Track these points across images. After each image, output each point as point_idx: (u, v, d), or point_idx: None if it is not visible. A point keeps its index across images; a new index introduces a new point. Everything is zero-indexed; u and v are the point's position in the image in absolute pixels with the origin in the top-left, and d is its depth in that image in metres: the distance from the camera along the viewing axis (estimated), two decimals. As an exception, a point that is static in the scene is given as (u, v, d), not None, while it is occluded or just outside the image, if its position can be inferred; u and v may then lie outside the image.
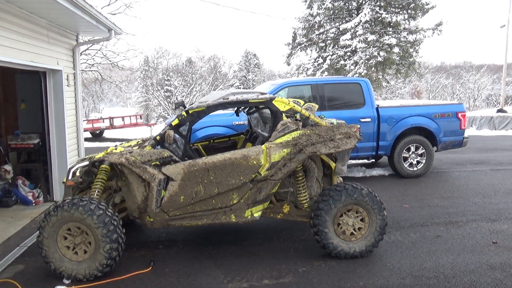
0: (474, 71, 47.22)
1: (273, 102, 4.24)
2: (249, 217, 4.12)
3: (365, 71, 19.97)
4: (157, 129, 20.49)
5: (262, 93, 4.50)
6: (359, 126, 4.35)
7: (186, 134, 4.17)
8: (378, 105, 7.73)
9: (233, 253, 4.37)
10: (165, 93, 33.26)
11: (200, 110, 4.16)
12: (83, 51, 19.07)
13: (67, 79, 6.66)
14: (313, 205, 4.16)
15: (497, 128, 17.56)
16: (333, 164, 4.38)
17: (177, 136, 4.15)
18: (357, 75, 20.07)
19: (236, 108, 5.43)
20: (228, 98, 4.25)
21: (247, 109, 5.19)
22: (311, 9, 22.14)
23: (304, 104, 4.64)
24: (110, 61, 20.87)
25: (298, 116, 4.60)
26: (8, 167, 6.50)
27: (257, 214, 4.14)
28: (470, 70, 47.99)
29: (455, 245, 4.47)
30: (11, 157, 6.78)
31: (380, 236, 4.15)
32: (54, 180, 6.59)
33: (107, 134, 20.02)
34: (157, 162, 4.04)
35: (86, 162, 4.26)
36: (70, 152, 6.76)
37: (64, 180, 4.33)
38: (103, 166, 4.14)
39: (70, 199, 3.75)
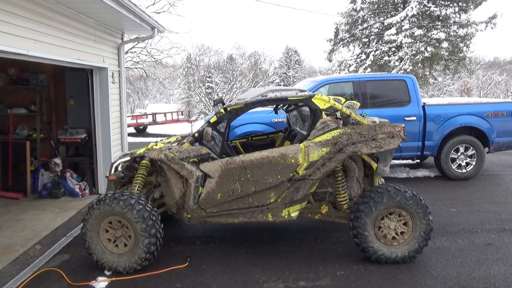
0: (531, 66, 44.07)
1: (313, 99, 4.13)
2: (286, 216, 4.05)
3: (410, 67, 19.13)
4: (198, 125, 20.85)
5: (302, 91, 4.40)
6: (403, 125, 4.15)
7: (224, 132, 4.16)
8: (424, 103, 7.36)
9: (269, 252, 4.32)
10: (207, 90, 33.79)
11: (238, 108, 4.13)
12: (129, 50, 19.77)
13: (112, 76, 6.89)
14: (353, 207, 4.01)
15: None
16: (374, 165, 4.22)
17: (215, 133, 4.15)
18: (402, 71, 19.29)
19: (275, 106, 5.36)
20: (266, 96, 4.19)
21: (286, 106, 5.11)
22: (354, 4, 21.49)
23: (345, 102, 4.48)
24: (154, 58, 21.50)
25: (338, 114, 4.45)
26: (57, 160, 6.84)
27: (294, 214, 4.06)
28: (526, 66, 44.87)
29: (508, 254, 4.15)
30: (60, 150, 7.13)
31: (425, 242, 3.94)
32: (99, 174, 6.85)
33: (150, 129, 20.65)
34: (195, 159, 4.07)
35: (128, 158, 4.37)
36: (114, 147, 7.00)
37: (107, 175, 4.47)
38: (143, 161, 4.23)
39: (112, 194, 3.85)
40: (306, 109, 4.47)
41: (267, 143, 5.51)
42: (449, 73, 22.36)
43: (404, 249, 3.95)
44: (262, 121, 7.12)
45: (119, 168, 4.42)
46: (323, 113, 4.12)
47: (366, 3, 21.07)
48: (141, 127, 19.46)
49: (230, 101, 4.40)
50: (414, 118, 7.14)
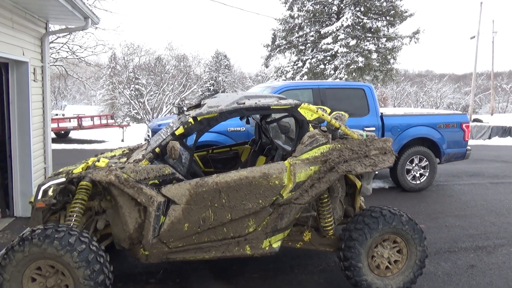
0: (436, 80, 48.91)
1: (299, 109, 3.52)
2: (267, 248, 3.39)
3: (345, 76, 19.66)
4: (131, 132, 19.20)
5: (281, 98, 3.78)
6: (391, 139, 3.73)
7: (192, 147, 3.37)
8: (382, 113, 7.20)
9: (242, 290, 3.62)
10: (134, 92, 31.61)
11: (211, 117, 3.37)
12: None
13: (33, 73, 5.65)
14: (344, 234, 3.47)
15: (474, 138, 17.73)
16: (359, 183, 3.74)
17: (181, 149, 3.35)
18: (338, 80, 19.75)
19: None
20: (244, 103, 3.49)
21: (262, 116, 4.38)
22: (291, 11, 21.63)
23: (331, 113, 3.96)
24: (77, 56, 19.41)
25: (322, 127, 3.90)
26: (-43, 175, 5.40)
27: (276, 245, 3.41)
28: (432, 79, 49.64)
29: (495, 277, 3.93)
30: (-38, 163, 5.67)
31: (420, 271, 3.53)
32: (15, 192, 5.55)
33: (73, 134, 18.51)
34: (156, 181, 3.22)
35: (62, 179, 3.36)
36: (35, 159, 5.74)
37: (32, 200, 3.40)
38: (83, 182, 3.28)
39: (42, 230, 2.86)
40: (285, 119, 3.86)
41: (231, 156, 4.80)
42: (377, 83, 23.44)
43: (399, 280, 3.50)
44: (216, 130, 6.35)
45: (50, 193, 3.38)
46: (310, 125, 3.54)
47: (303, 11, 21.28)
48: (62, 132, 17.30)
49: (189, 107, 3.61)
50: (373, 128, 6.92)
